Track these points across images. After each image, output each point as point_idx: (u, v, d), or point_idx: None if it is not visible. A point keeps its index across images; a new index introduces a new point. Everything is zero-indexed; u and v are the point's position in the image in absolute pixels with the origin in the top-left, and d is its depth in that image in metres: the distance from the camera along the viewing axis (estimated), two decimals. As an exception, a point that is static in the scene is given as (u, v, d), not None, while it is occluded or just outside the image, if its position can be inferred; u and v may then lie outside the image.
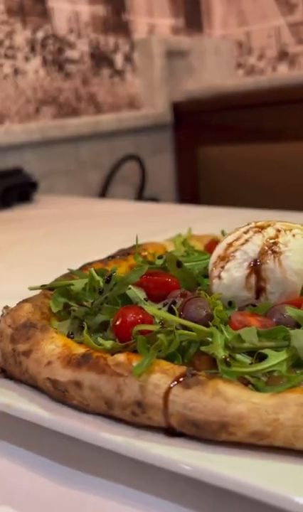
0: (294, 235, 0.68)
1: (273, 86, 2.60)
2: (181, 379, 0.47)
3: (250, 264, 0.67)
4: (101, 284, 0.69)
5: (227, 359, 0.50)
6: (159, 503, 0.47)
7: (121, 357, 0.51)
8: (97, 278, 0.69)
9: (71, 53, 2.47)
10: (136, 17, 2.72)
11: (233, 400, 0.45)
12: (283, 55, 2.93)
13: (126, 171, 2.64)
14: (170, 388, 0.47)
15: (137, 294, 0.68)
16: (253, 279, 0.67)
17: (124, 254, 0.88)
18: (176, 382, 0.47)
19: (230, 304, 0.67)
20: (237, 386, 0.47)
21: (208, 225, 1.05)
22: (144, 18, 2.75)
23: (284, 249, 0.67)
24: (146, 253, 0.89)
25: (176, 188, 2.94)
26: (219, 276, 0.68)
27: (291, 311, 0.57)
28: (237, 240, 0.70)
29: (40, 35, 2.33)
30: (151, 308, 0.55)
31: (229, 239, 0.70)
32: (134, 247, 0.90)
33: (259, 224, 0.71)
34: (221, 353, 0.51)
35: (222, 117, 2.72)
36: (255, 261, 0.67)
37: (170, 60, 2.78)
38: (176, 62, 2.83)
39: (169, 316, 0.55)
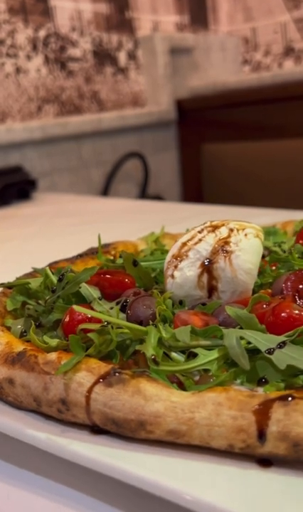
0: (246, 235, 0.68)
1: (277, 82, 2.58)
2: (104, 377, 0.48)
3: (203, 263, 0.68)
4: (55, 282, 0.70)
5: (156, 358, 0.51)
6: (83, 499, 0.48)
7: (52, 355, 0.52)
8: (52, 277, 0.70)
9: (73, 51, 2.48)
10: (140, 14, 2.71)
11: (152, 399, 0.46)
12: (289, 51, 2.90)
13: (129, 169, 2.65)
14: (92, 386, 0.47)
15: (91, 292, 0.69)
16: (205, 278, 0.68)
17: (93, 252, 0.89)
18: (101, 381, 0.48)
19: (181, 302, 0.67)
20: (160, 385, 0.47)
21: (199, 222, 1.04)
22: (148, 16, 2.75)
23: (235, 248, 0.67)
24: (114, 252, 0.89)
25: (180, 185, 2.94)
26: (172, 275, 0.69)
27: (230, 311, 0.57)
28: (191, 239, 0.70)
29: (42, 33, 2.35)
30: (79, 308, 0.56)
31: (184, 238, 0.71)
32: (104, 245, 0.91)
33: (214, 223, 0.71)
34: (150, 352, 0.51)
35: (226, 114, 2.71)
36: (207, 260, 0.68)
37: (174, 57, 2.78)
38: (181, 59, 2.82)
39: (103, 316, 0.55)
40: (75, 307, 0.56)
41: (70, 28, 2.45)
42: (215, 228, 0.70)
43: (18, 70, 2.29)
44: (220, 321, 0.61)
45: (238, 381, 0.53)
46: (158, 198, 2.72)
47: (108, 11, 2.59)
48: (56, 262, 0.85)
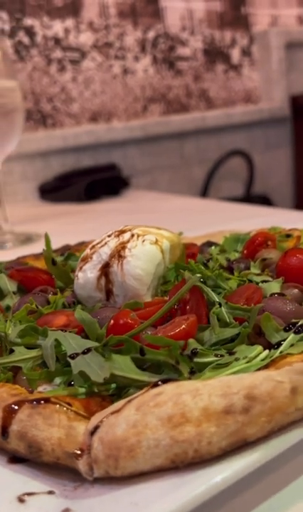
0: (143, 241, 0.68)
1: None
2: None
3: (102, 266, 0.70)
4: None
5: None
6: None
7: None
8: (-25, 270, 0.77)
9: (183, 51, 2.52)
10: (257, 10, 2.65)
11: None
12: None
13: (234, 167, 2.62)
14: None
15: (8, 285, 0.74)
16: (103, 281, 0.69)
17: (65, 249, 0.94)
18: None
19: (74, 303, 0.70)
20: None
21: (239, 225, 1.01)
22: (266, 10, 2.68)
23: (128, 254, 0.67)
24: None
25: (292, 185, 2.83)
26: (77, 276, 0.72)
27: (76, 314, 0.58)
28: (100, 242, 0.72)
29: (151, 34, 2.42)
30: None
31: (96, 241, 0.73)
32: (79, 244, 0.96)
33: (124, 228, 0.72)
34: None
35: None
36: (106, 264, 0.69)
37: (294, 52, 2.67)
38: (301, 54, 2.71)
39: None
40: None
41: (181, 28, 2.49)
42: (121, 233, 0.71)
43: (125, 71, 2.40)
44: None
45: (58, 381, 0.55)
46: (264, 198, 2.65)
47: (222, 9, 2.57)
48: (24, 257, 0.91)
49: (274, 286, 0.63)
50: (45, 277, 0.76)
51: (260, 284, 0.64)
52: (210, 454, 0.40)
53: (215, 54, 2.59)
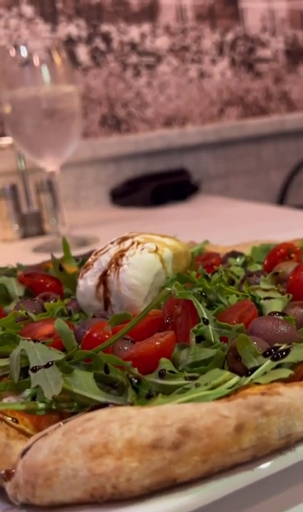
0: (142, 249, 0.64)
1: None
2: None
3: (101, 274, 0.67)
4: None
5: None
6: None
7: None
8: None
9: (263, 52, 2.43)
10: None
11: None
12: None
13: (316, 173, 2.49)
14: None
15: (15, 289, 0.73)
16: (102, 290, 0.66)
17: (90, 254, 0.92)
18: None
19: (70, 313, 0.67)
20: None
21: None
22: None
23: (125, 262, 0.64)
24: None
25: None
26: (78, 284, 0.69)
27: (56, 324, 0.56)
28: (102, 249, 0.69)
29: (229, 37, 2.37)
30: None
31: (99, 248, 0.70)
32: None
33: (127, 235, 0.69)
34: None
35: None
36: (105, 271, 0.66)
37: None
38: None
39: None
40: None
41: (261, 29, 2.41)
42: (123, 240, 0.67)
43: (202, 75, 2.36)
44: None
45: (27, 393, 0.53)
46: None
47: (306, 7, 2.46)
48: (48, 261, 0.90)
49: (276, 304, 0.57)
50: (52, 283, 0.74)
51: (261, 301, 0.58)
52: (131, 492, 0.35)
53: (298, 55, 2.48)
